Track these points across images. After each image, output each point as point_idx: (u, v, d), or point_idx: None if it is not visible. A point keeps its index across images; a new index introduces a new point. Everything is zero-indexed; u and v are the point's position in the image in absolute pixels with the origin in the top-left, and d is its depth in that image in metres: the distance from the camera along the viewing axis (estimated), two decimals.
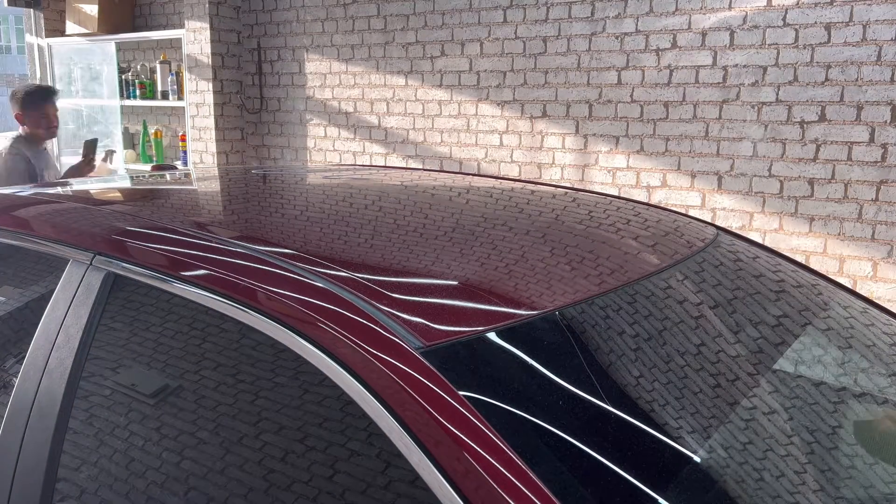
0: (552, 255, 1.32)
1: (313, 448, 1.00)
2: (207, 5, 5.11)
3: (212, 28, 5.15)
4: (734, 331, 1.36)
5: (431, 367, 0.91)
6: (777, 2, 3.43)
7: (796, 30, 3.40)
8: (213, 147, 5.31)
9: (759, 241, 3.52)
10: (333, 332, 0.97)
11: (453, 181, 2.08)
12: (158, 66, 5.65)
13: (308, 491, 0.98)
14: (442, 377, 0.90)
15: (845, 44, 3.29)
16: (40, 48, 6.21)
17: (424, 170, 3.69)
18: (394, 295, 1.06)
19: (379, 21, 4.71)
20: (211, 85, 5.21)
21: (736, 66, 3.56)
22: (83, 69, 6.14)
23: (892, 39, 3.19)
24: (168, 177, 2.40)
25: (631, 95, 3.86)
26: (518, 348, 1.04)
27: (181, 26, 5.41)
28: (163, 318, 1.24)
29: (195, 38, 5.22)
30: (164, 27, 5.77)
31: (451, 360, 0.95)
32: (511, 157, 4.32)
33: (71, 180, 2.84)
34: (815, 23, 3.35)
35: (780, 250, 2.48)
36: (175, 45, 5.55)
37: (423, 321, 1.00)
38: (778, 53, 3.45)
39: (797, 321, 1.49)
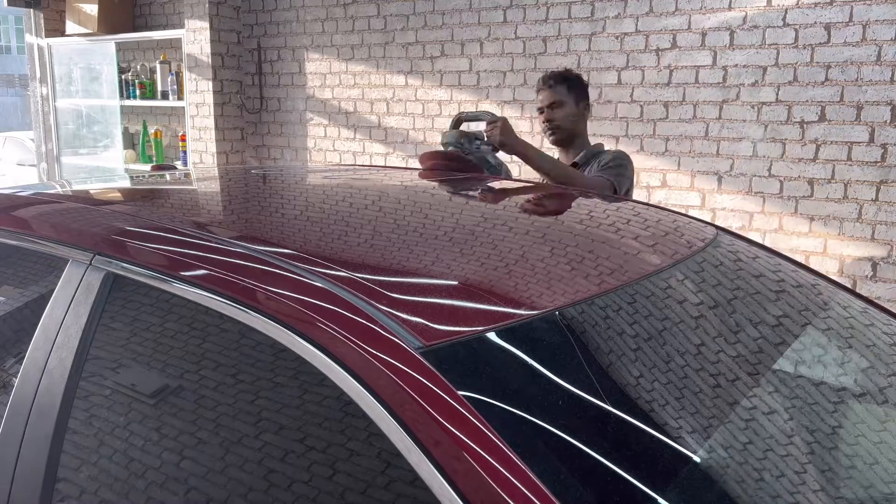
0: (552, 255, 1.32)
1: (313, 448, 1.00)
2: (207, 5, 5.11)
3: (212, 28, 5.15)
4: (734, 331, 1.36)
5: (431, 367, 0.91)
6: (777, 2, 3.43)
7: (796, 30, 3.40)
8: (213, 147, 5.31)
9: (759, 241, 3.52)
10: (333, 332, 0.97)
11: (453, 181, 2.08)
12: (158, 66, 5.64)
13: (308, 491, 0.97)
14: (441, 377, 0.90)
15: (845, 44, 3.29)
16: (40, 48, 6.21)
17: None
18: (393, 295, 1.06)
19: (379, 21, 4.71)
20: (211, 85, 5.21)
21: (736, 66, 3.56)
22: (83, 69, 6.14)
23: (892, 39, 3.19)
24: (168, 177, 2.40)
25: (631, 95, 3.86)
26: (518, 348, 1.04)
27: (181, 26, 5.41)
28: (163, 318, 1.24)
29: (195, 38, 5.22)
30: (164, 27, 5.77)
31: (451, 360, 0.95)
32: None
33: (71, 180, 2.84)
34: (815, 23, 3.35)
35: (780, 250, 2.48)
36: (175, 45, 5.55)
37: (422, 321, 1.00)
38: (778, 53, 3.45)
39: (797, 321, 1.49)
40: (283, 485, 0.99)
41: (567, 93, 2.73)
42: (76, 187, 2.01)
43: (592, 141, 2.87)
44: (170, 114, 5.92)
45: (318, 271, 1.10)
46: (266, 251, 1.19)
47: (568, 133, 2.75)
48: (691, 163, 3.73)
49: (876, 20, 3.22)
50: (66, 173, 6.37)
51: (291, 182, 2.17)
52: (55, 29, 6.18)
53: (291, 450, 1.01)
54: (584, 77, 2.96)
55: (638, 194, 3.91)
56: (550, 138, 2.79)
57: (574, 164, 2.72)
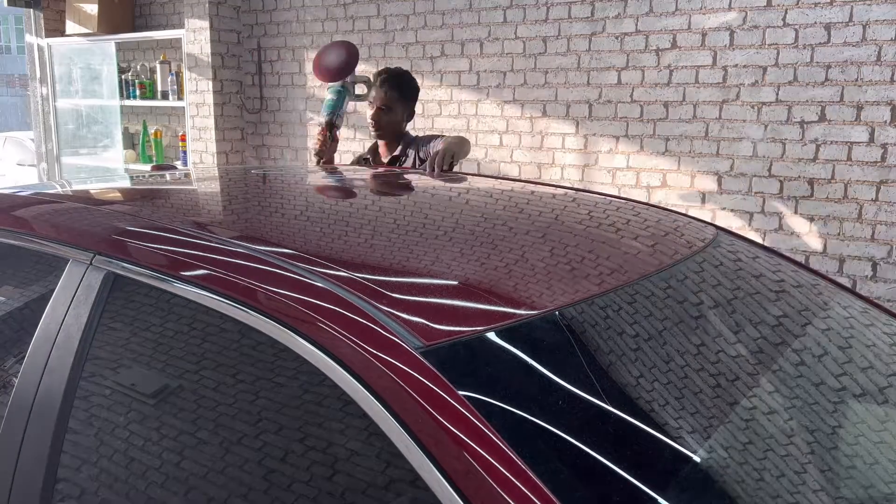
0: (552, 255, 1.32)
1: (313, 448, 1.00)
2: (207, 5, 5.11)
3: (212, 28, 5.15)
4: (734, 331, 1.36)
5: (431, 366, 0.91)
6: (777, 2, 3.43)
7: (796, 30, 3.40)
8: (213, 147, 5.30)
9: (759, 241, 3.52)
10: (333, 332, 0.97)
11: (453, 181, 2.08)
12: (158, 66, 5.64)
13: (308, 491, 0.98)
14: (442, 377, 0.90)
15: (845, 44, 3.29)
16: (40, 48, 6.21)
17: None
18: (394, 295, 1.06)
19: (379, 21, 4.71)
20: (211, 85, 5.21)
21: (736, 66, 3.56)
22: (83, 69, 6.13)
23: (892, 39, 3.19)
24: (168, 177, 2.40)
25: (631, 95, 3.86)
26: (518, 348, 1.04)
27: (181, 26, 5.41)
28: (163, 318, 1.24)
29: (195, 38, 5.22)
30: (164, 27, 5.76)
31: (451, 359, 0.95)
32: (511, 157, 4.32)
33: (71, 180, 2.84)
34: (815, 23, 3.35)
35: (780, 250, 2.48)
36: (175, 45, 5.55)
37: (422, 321, 1.00)
38: (778, 53, 3.45)
39: (797, 321, 1.49)
40: (283, 485, 0.99)
41: (398, 98, 3.02)
42: (76, 187, 2.01)
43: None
44: (170, 114, 5.92)
45: (319, 271, 1.10)
46: (266, 251, 1.19)
47: (390, 133, 3.06)
48: (691, 163, 3.73)
49: (876, 20, 3.22)
50: (66, 173, 6.37)
51: (291, 182, 2.17)
52: (55, 29, 6.18)
53: (291, 450, 1.01)
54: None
55: (638, 194, 3.91)
56: (374, 133, 3.10)
57: (394, 157, 3.06)
